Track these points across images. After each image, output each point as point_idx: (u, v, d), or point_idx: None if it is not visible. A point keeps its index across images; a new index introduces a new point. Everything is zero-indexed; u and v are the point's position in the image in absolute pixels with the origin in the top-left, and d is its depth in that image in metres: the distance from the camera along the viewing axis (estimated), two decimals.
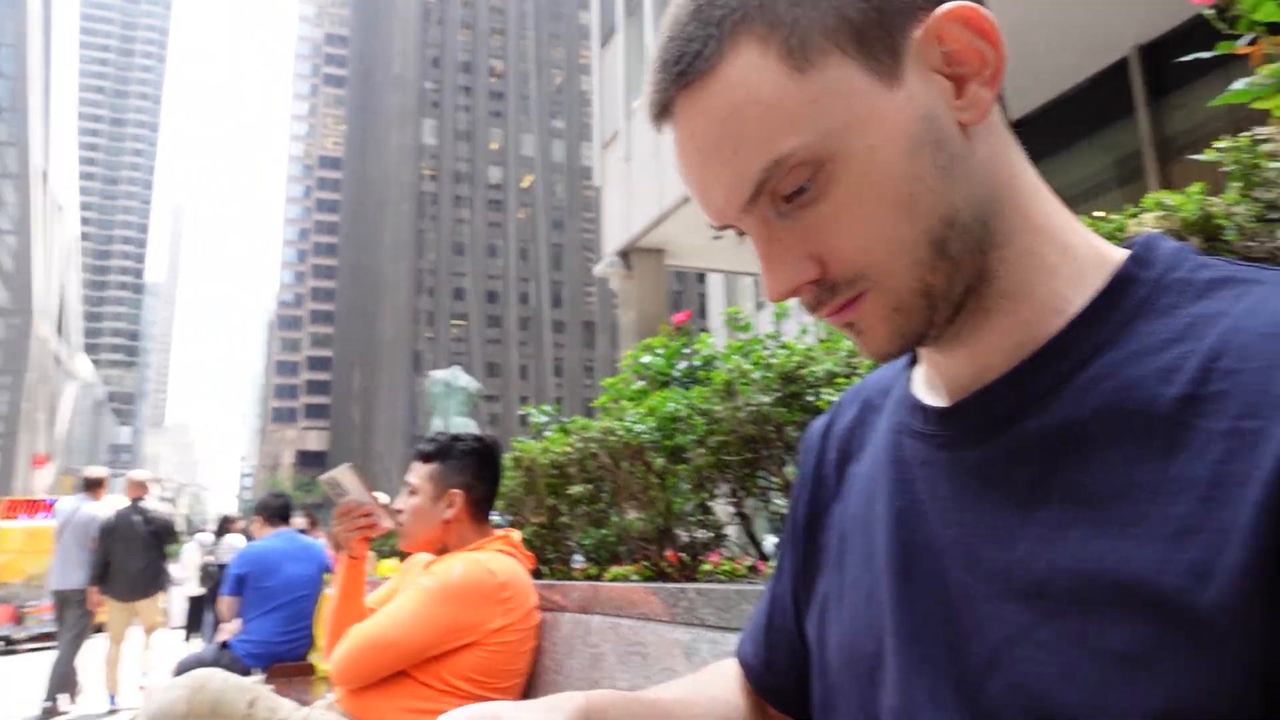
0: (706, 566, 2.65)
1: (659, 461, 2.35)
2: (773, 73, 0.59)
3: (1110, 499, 0.55)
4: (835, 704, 0.74)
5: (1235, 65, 1.70)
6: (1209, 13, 1.72)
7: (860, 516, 0.74)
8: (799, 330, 2.48)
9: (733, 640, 1.42)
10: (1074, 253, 0.64)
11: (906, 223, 0.60)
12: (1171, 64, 6.13)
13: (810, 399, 1.92)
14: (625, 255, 12.36)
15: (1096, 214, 1.52)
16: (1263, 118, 1.43)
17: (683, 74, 0.61)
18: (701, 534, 2.48)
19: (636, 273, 12.19)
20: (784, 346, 2.25)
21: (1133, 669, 0.51)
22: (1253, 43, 1.68)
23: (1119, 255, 0.64)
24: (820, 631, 0.77)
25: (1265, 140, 1.13)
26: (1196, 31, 1.77)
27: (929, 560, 0.65)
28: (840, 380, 1.85)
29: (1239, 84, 1.60)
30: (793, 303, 0.68)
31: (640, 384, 3.13)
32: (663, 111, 0.64)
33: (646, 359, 3.16)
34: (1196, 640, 0.49)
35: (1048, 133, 6.94)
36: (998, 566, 0.60)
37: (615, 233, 12.78)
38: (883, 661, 0.67)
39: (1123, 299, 0.61)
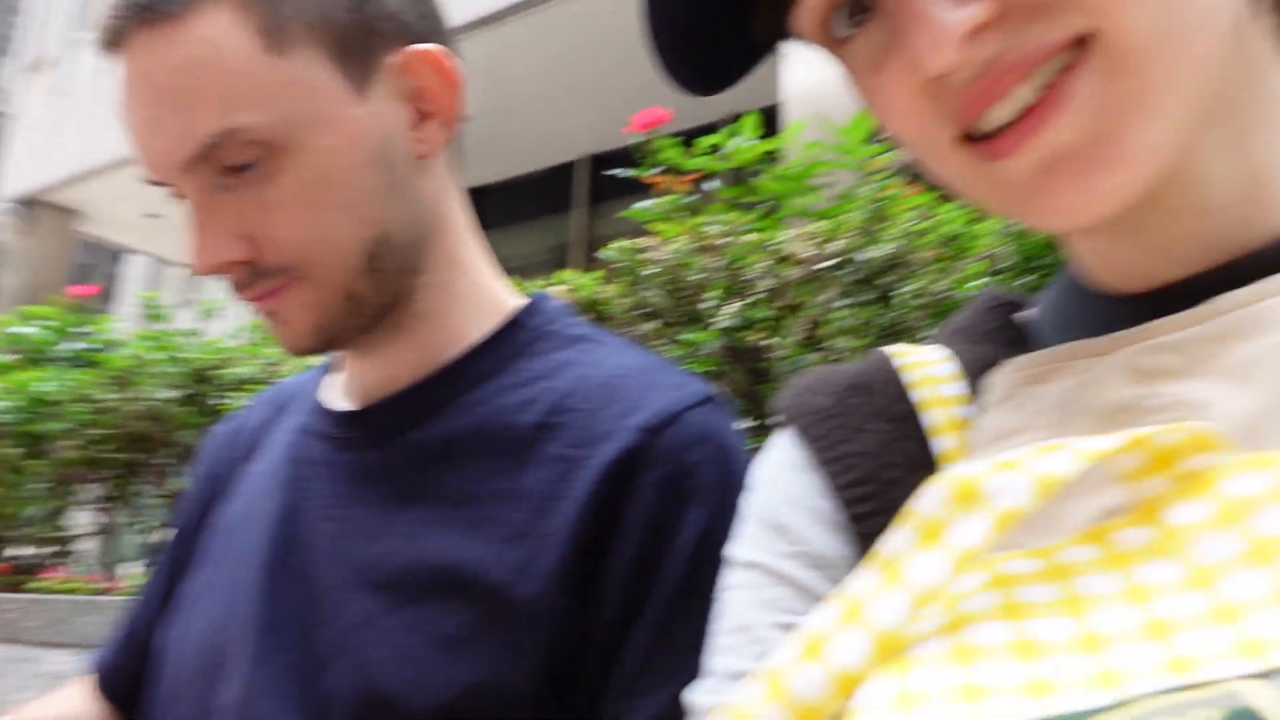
0: (42, 583, 2.25)
1: (11, 451, 1.96)
2: (245, 44, 0.58)
3: (469, 503, 0.63)
4: (173, 706, 0.71)
5: (655, 188, 2.11)
6: (637, 140, 2.12)
7: (247, 514, 0.74)
8: (225, 334, 2.32)
9: (63, 658, 1.23)
10: (483, 294, 0.74)
11: (346, 228, 0.63)
12: (605, 176, 7.32)
13: (215, 402, 1.80)
14: (28, 206, 10.18)
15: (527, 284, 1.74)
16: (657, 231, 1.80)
17: (148, 9, 0.58)
18: (47, 547, 2.12)
19: (38, 230, 10.10)
20: (205, 343, 2.08)
21: (456, 649, 0.59)
22: (661, 174, 2.11)
23: (516, 304, 0.75)
24: (166, 632, 0.74)
25: (645, 250, 1.42)
26: (634, 153, 2.17)
27: (303, 554, 0.67)
28: (253, 385, 1.77)
29: (643, 204, 1.98)
30: (225, 307, 0.65)
31: (11, 357, 2.60)
32: (116, 41, 0.59)
33: (24, 329, 2.64)
34: (511, 626, 0.59)
35: (503, 206, 7.65)
36: (362, 560, 0.64)
37: (20, 175, 10.46)
38: (229, 656, 0.66)
39: (510, 339, 0.71)
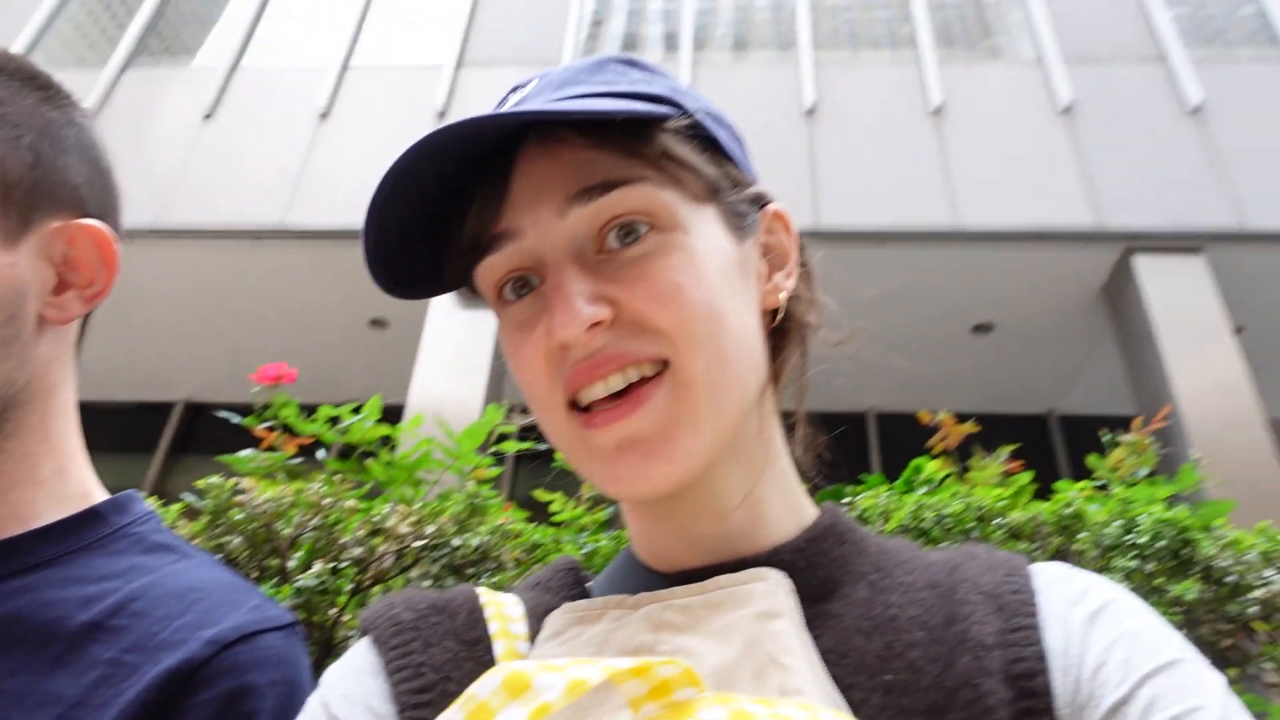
0: None
1: None
2: None
3: None
4: None
5: (262, 443, 2.06)
6: (254, 390, 2.10)
7: None
8: None
9: None
10: (66, 480, 0.72)
11: None
12: (198, 425, 6.83)
13: None
14: None
15: None
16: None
17: None
18: None
19: None
20: None
21: None
22: (269, 429, 2.09)
23: (102, 499, 0.73)
24: None
25: (240, 492, 1.41)
26: (250, 409, 2.13)
27: None
28: None
29: (245, 453, 1.94)
30: None
31: None
32: None
33: None
34: None
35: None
36: None
37: None
38: None
39: (83, 531, 0.69)
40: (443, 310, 5.06)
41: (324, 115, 5.92)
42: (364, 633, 0.59)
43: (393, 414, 2.33)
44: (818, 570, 0.56)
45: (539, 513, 2.14)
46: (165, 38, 6.71)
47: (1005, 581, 0.54)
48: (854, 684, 0.49)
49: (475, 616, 0.58)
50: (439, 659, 0.55)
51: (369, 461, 2.14)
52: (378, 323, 6.04)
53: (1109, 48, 6.08)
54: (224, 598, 0.67)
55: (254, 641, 0.64)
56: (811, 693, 0.46)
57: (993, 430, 2.51)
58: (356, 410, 2.19)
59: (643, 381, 0.51)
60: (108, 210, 0.72)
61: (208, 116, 5.93)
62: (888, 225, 5.04)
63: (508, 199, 0.53)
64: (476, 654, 0.55)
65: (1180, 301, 4.89)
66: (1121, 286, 5.19)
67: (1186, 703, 0.44)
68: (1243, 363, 4.62)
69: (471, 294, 0.61)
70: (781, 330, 0.61)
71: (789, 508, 0.60)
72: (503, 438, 2.33)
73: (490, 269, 0.55)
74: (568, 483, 2.43)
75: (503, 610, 0.59)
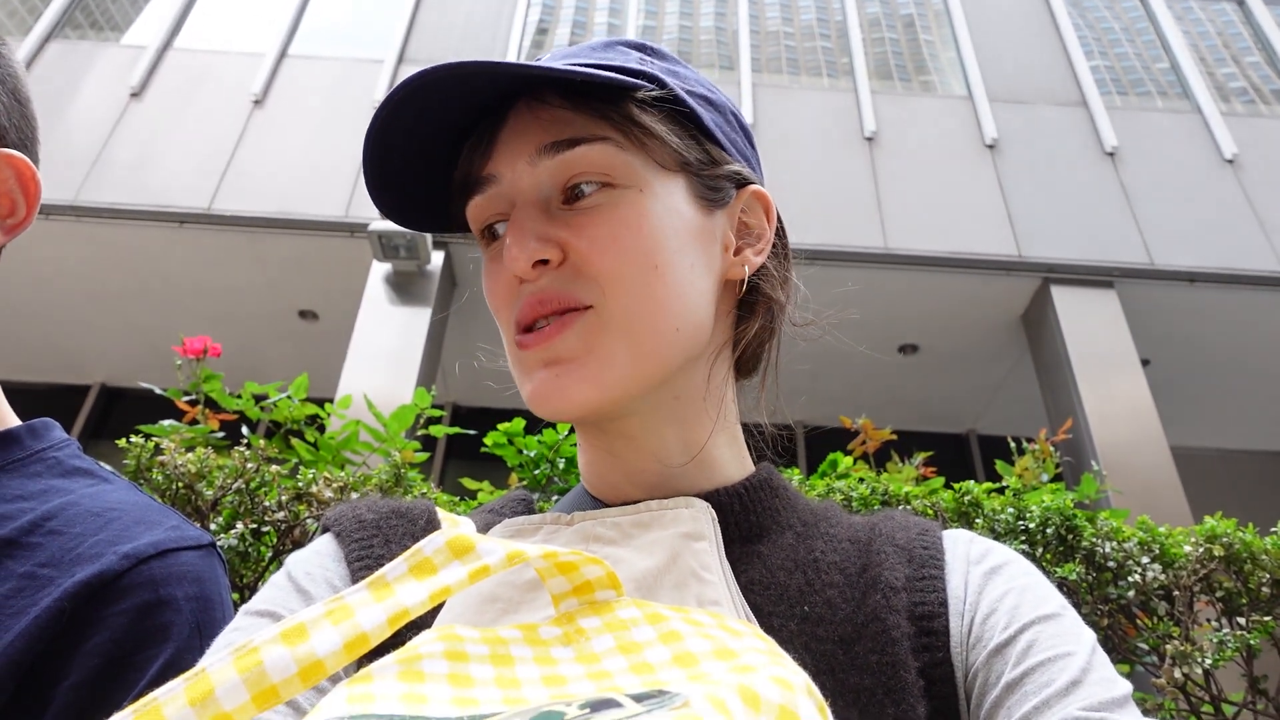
0: None
1: None
2: None
3: None
4: None
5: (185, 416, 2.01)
6: (178, 363, 2.05)
7: None
8: None
9: None
10: None
11: None
12: (116, 404, 6.59)
13: None
14: None
15: None
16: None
17: None
18: None
19: None
20: None
21: None
22: (192, 404, 2.03)
23: (15, 422, 0.73)
24: None
25: (162, 452, 1.37)
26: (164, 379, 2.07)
27: None
28: None
29: (166, 423, 1.89)
30: None
31: None
32: None
33: None
34: None
35: None
36: None
37: None
38: None
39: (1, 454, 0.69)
40: (375, 304, 4.99)
41: (258, 102, 5.80)
42: (325, 530, 0.62)
43: (321, 405, 2.29)
44: (750, 514, 0.61)
45: (467, 501, 2.13)
46: (92, 13, 6.48)
47: (918, 539, 0.60)
48: (773, 612, 0.54)
49: (433, 525, 0.62)
50: (396, 554, 0.58)
51: (295, 441, 2.10)
52: (307, 314, 5.91)
53: (1034, 90, 6.37)
54: (141, 517, 0.67)
55: (170, 558, 0.64)
56: (726, 607, 0.50)
57: (914, 446, 2.60)
58: (283, 390, 2.15)
59: (570, 315, 0.57)
60: (27, 141, 0.72)
61: (135, 95, 5.75)
62: (819, 245, 5.17)
63: (494, 146, 0.59)
64: None
65: (1093, 331, 5.13)
66: (1040, 314, 5.41)
67: (1060, 648, 0.50)
68: (1149, 392, 4.86)
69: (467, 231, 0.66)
70: (748, 303, 0.66)
71: (735, 463, 0.65)
72: (431, 421, 2.31)
73: (476, 208, 0.60)
74: (496, 472, 2.42)
75: (457, 523, 0.62)
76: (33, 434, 0.72)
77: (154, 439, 1.47)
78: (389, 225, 4.61)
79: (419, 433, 2.25)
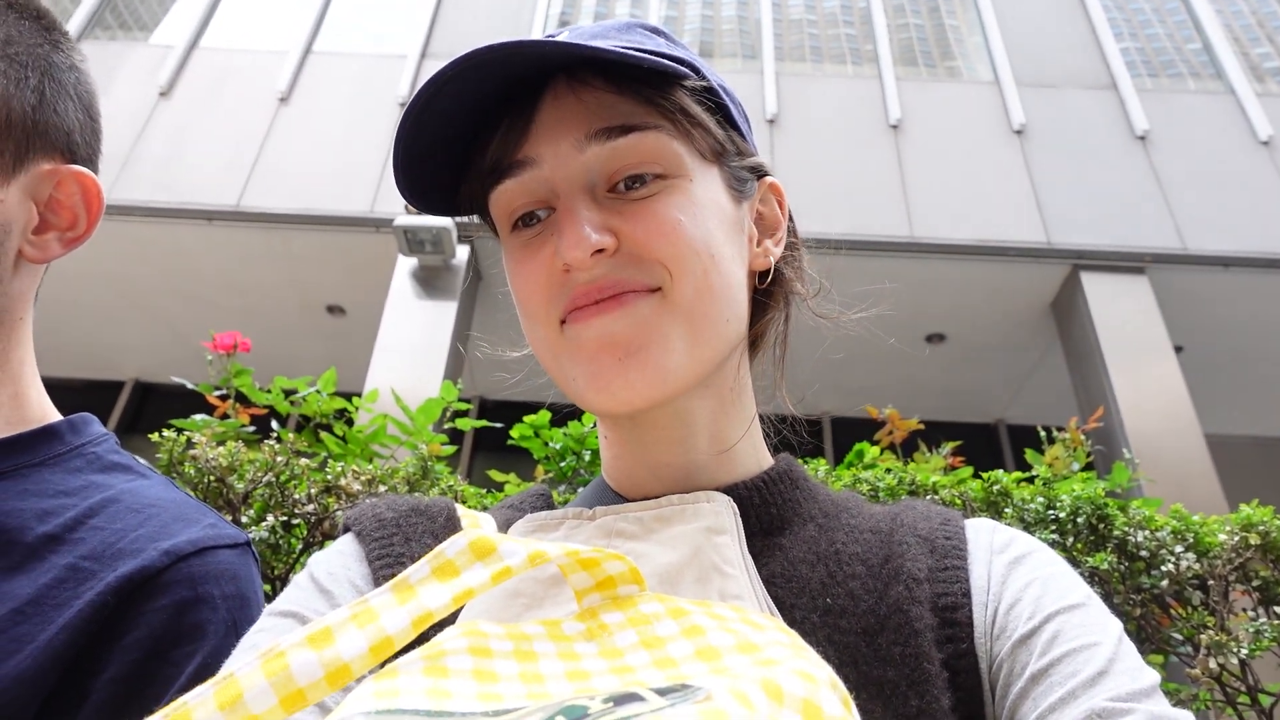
0: None
1: None
2: None
3: None
4: None
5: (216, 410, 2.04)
6: (208, 358, 2.08)
7: None
8: None
9: None
10: (23, 401, 0.73)
11: None
12: (151, 401, 6.70)
13: None
14: None
15: None
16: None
17: None
18: None
19: None
20: None
21: None
22: (223, 398, 2.06)
23: (57, 419, 0.75)
24: None
25: (193, 445, 1.40)
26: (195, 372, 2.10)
27: None
28: None
29: (198, 417, 1.91)
30: None
31: None
32: None
33: None
34: None
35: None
36: None
37: None
38: None
39: (39, 448, 0.70)
40: (401, 298, 5.02)
41: (284, 99, 5.85)
42: (346, 529, 0.63)
43: (348, 399, 2.31)
44: (770, 507, 0.60)
45: (494, 493, 2.14)
46: (121, 13, 6.57)
47: (940, 529, 0.59)
48: (795, 604, 0.53)
49: (453, 523, 0.62)
50: (417, 552, 0.58)
51: (324, 435, 2.13)
52: (334, 309, 5.97)
53: (1062, 74, 6.27)
54: (180, 514, 0.68)
55: (208, 555, 0.65)
56: (748, 600, 0.50)
57: (942, 436, 2.58)
58: (312, 384, 2.17)
59: (629, 294, 0.54)
60: (94, 156, 0.74)
61: (164, 94, 5.82)
62: (844, 234, 5.12)
63: (531, 129, 0.56)
64: None
65: (1124, 319, 5.05)
66: (1069, 302, 5.34)
67: (1085, 638, 0.49)
68: (1182, 379, 4.78)
69: (480, 220, 0.64)
70: (768, 294, 0.66)
71: (754, 455, 0.64)
72: (458, 415, 2.33)
73: (507, 194, 0.57)
74: (522, 464, 2.43)
75: (477, 521, 0.62)
76: (73, 429, 0.73)
77: (186, 433, 1.50)
78: (414, 220, 4.63)
79: (446, 426, 2.26)
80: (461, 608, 0.53)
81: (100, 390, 6.78)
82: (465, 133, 0.58)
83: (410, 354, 4.73)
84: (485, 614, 0.51)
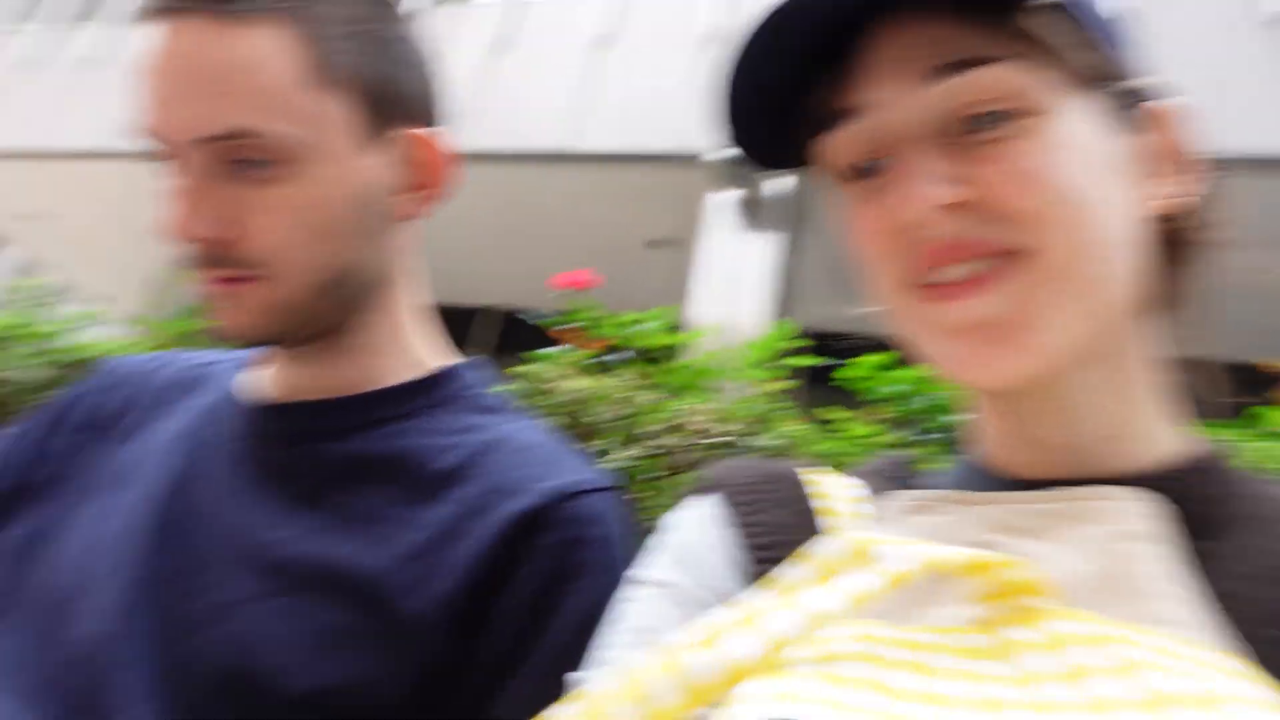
0: None
1: None
2: (292, 68, 0.65)
3: (368, 521, 0.67)
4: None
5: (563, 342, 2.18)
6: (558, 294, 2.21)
7: (139, 468, 0.74)
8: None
9: None
10: (407, 351, 0.80)
11: (319, 249, 0.68)
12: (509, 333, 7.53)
13: None
14: None
15: None
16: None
17: (223, 2, 0.63)
18: None
19: None
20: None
21: (334, 643, 0.61)
22: (571, 332, 2.20)
23: (440, 364, 0.81)
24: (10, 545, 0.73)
25: (550, 381, 1.50)
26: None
27: (189, 524, 0.68)
28: None
29: (550, 349, 2.05)
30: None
31: None
32: (170, 12, 0.64)
33: None
34: (392, 635, 0.61)
35: None
36: (250, 543, 0.66)
37: None
38: (88, 596, 0.65)
39: (428, 391, 0.77)
40: (724, 231, 5.08)
41: (606, 44, 6.08)
42: (705, 491, 0.62)
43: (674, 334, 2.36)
44: (1194, 505, 0.49)
45: (829, 438, 2.08)
46: None
47: None
48: (1254, 637, 0.42)
49: (799, 491, 0.60)
50: (774, 521, 0.57)
51: (659, 366, 2.19)
52: (658, 243, 6.21)
53: None
54: (553, 457, 0.72)
55: (585, 498, 0.68)
56: (1192, 630, 0.40)
57: None
58: (648, 320, 2.24)
59: (994, 269, 0.48)
60: (440, 120, 0.79)
61: (494, 51, 6.31)
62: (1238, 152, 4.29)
63: (863, 70, 0.51)
64: (805, 524, 0.57)
65: None
66: None
67: None
68: None
69: (807, 169, 0.58)
70: (1175, 244, 0.54)
71: (1168, 437, 0.54)
72: (791, 353, 2.29)
73: (843, 143, 0.52)
74: (846, 400, 2.34)
75: (829, 488, 0.60)
76: (451, 376, 0.80)
77: (543, 369, 1.60)
78: (735, 153, 4.63)
79: (771, 365, 2.23)
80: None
81: (469, 318, 7.69)
82: (785, 76, 0.53)
83: (729, 287, 4.78)
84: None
